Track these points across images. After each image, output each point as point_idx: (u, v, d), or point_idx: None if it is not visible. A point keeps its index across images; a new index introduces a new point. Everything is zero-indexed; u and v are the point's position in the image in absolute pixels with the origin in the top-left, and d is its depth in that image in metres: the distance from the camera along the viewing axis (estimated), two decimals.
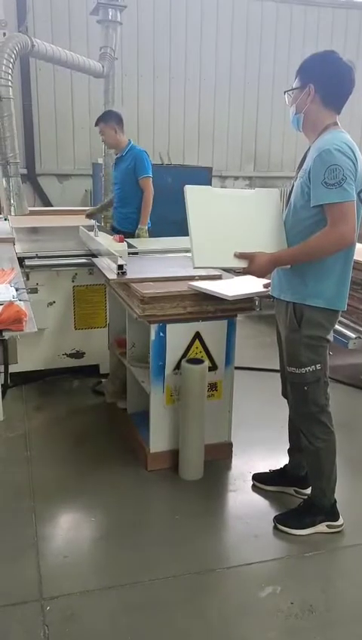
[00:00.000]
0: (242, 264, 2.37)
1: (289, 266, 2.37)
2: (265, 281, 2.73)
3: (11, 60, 4.42)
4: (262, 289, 2.80)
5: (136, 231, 4.69)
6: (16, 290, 2.83)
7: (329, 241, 2.21)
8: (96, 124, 4.79)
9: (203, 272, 3.00)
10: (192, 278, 3.01)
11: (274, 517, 2.67)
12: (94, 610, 2.16)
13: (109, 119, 4.73)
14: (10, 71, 4.37)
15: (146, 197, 4.66)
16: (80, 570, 2.37)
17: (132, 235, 4.61)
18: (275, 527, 2.63)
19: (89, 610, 2.16)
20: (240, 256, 2.36)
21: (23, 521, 2.65)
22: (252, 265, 2.35)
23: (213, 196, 2.49)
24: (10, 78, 4.35)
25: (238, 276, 3.07)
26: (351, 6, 8.70)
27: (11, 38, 4.57)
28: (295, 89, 2.37)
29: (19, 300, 2.68)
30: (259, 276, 2.47)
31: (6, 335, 2.53)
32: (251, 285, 2.87)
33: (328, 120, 2.32)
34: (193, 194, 2.41)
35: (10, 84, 4.35)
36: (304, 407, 2.50)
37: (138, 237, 4.65)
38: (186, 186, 2.41)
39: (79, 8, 7.32)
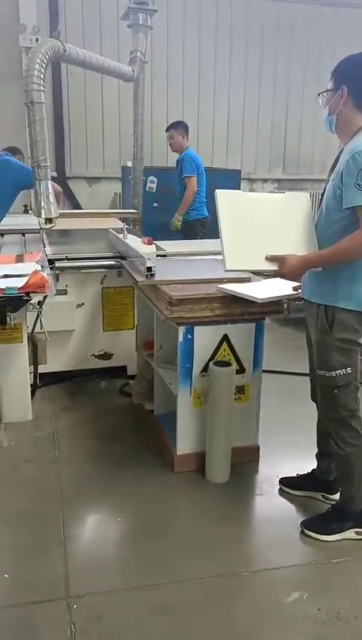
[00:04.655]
0: (273, 267, 2.37)
1: (320, 269, 2.36)
2: (295, 283, 2.71)
3: (44, 65, 4.46)
4: (291, 292, 2.79)
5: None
6: (41, 267, 3.43)
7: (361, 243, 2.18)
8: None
9: (231, 275, 3.00)
10: (221, 280, 3.01)
11: (302, 522, 2.65)
12: (120, 610, 2.17)
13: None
14: (42, 76, 4.42)
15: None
16: (106, 570, 2.39)
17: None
18: (302, 533, 2.61)
19: (115, 610, 2.17)
20: (271, 258, 2.36)
21: (51, 520, 2.68)
22: (283, 267, 2.34)
23: (243, 200, 2.51)
24: (42, 82, 4.40)
25: (267, 279, 3.06)
26: None
27: (44, 43, 4.61)
28: (328, 91, 2.36)
29: (42, 268, 3.37)
30: (290, 279, 2.46)
31: (32, 297, 3.17)
32: (280, 288, 2.86)
33: (361, 122, 2.30)
34: (224, 198, 2.44)
35: (42, 88, 4.41)
36: (334, 411, 2.47)
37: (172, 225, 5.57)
38: (217, 190, 2.45)
39: (110, 13, 7.38)
